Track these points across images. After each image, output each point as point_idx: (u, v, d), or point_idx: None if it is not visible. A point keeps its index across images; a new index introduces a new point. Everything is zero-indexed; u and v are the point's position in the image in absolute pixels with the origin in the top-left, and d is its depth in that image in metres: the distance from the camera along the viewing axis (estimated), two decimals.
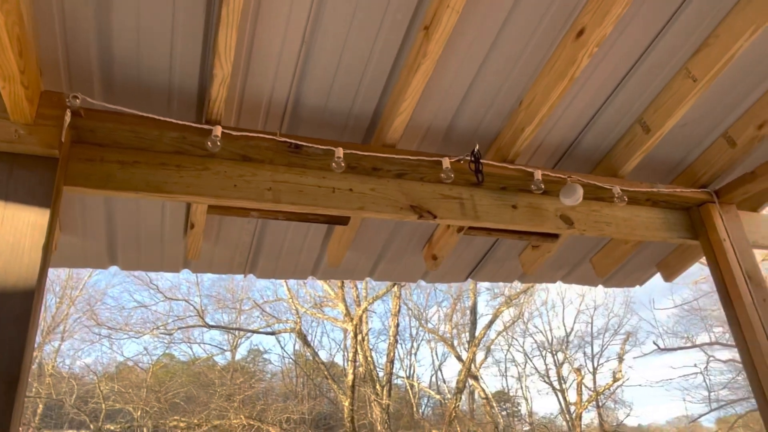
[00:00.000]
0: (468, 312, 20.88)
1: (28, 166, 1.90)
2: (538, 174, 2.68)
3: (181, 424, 15.03)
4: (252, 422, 15.12)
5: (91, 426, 14.32)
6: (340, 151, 2.35)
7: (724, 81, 2.71)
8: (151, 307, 16.91)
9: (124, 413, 15.54)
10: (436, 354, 23.08)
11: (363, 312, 17.49)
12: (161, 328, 16.29)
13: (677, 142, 3.04)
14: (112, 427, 14.79)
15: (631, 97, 2.72)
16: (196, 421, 15.12)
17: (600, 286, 4.12)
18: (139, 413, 15.19)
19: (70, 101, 1.98)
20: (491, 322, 19.99)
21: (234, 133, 2.23)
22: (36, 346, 16.12)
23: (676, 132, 2.95)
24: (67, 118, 1.96)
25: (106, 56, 2.09)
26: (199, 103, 2.32)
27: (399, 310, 18.64)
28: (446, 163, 2.53)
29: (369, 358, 17.96)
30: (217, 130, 2.16)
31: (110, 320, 17.00)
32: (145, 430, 15.50)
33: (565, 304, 26.25)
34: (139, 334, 16.22)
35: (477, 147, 2.55)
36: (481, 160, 2.60)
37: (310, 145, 2.34)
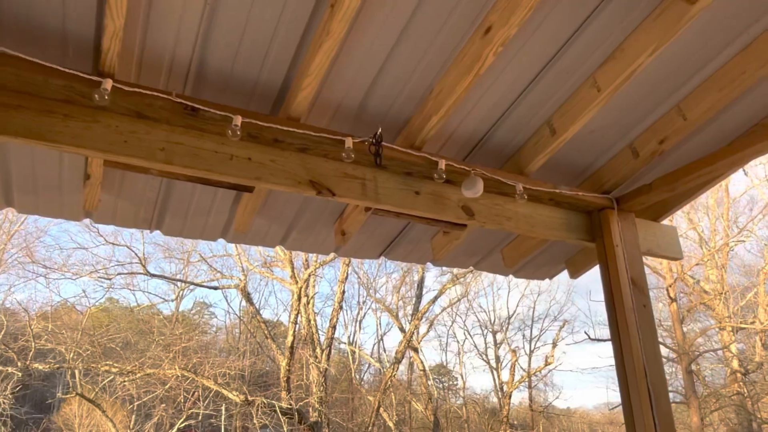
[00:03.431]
0: (416, 285, 21.24)
1: None
2: (442, 163, 2.73)
3: (113, 369, 14.92)
4: (186, 374, 15.12)
5: (19, 364, 14.07)
6: (238, 119, 2.33)
7: (631, 94, 2.79)
8: (92, 249, 16.56)
9: (55, 353, 15.31)
10: (380, 323, 23.54)
11: (309, 275, 17.55)
12: (101, 271, 15.98)
13: (586, 148, 3.13)
14: (40, 367, 14.57)
15: (541, 99, 2.78)
16: (129, 367, 15.04)
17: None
18: (71, 355, 14.98)
19: None
20: (436, 297, 20.42)
21: (126, 88, 2.19)
22: None
23: (585, 138, 3.04)
24: None
25: None
26: (96, 54, 2.25)
27: (347, 277, 18.76)
28: (349, 143, 2.54)
29: (312, 321, 18.12)
30: (107, 83, 2.11)
31: (47, 259, 16.59)
32: (77, 372, 15.34)
33: (510, 287, 26.97)
34: (76, 276, 15.88)
35: (380, 130, 2.57)
36: (385, 144, 2.62)
37: (207, 109, 2.32)
